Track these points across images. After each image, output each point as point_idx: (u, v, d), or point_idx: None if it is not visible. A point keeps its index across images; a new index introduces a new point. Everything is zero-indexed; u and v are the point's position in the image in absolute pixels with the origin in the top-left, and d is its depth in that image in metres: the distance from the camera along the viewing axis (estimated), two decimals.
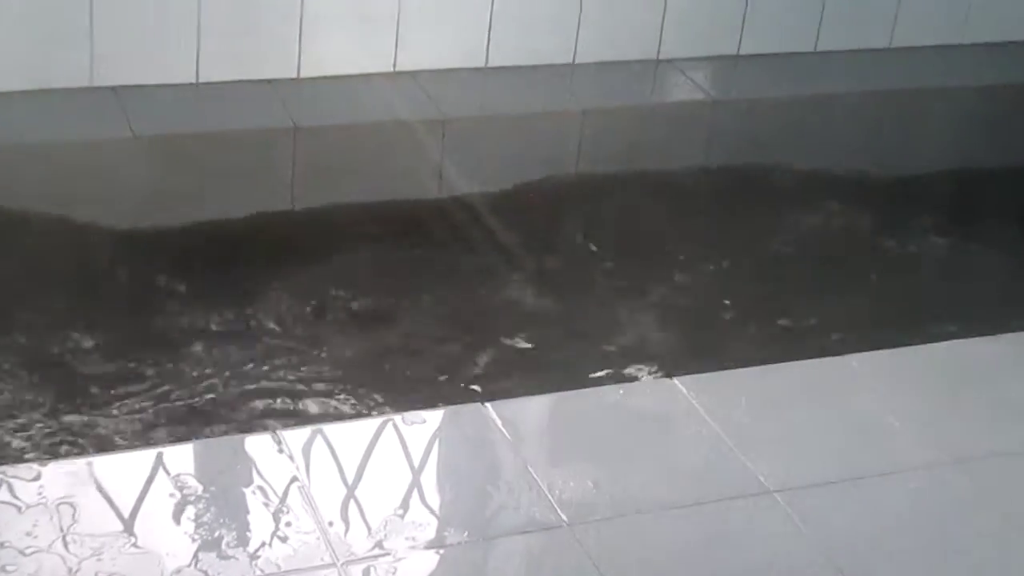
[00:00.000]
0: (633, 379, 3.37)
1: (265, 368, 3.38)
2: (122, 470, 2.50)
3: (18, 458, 2.95)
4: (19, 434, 3.08)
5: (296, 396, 3.31)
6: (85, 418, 3.15)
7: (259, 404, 3.26)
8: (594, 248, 3.99)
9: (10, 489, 2.41)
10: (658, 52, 4.42)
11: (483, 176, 4.05)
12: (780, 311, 3.79)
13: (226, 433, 3.08)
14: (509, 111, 4.11)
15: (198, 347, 3.42)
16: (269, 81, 3.99)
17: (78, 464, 2.51)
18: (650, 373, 3.40)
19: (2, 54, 3.72)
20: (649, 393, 2.85)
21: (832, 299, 3.85)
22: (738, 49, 4.50)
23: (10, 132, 3.64)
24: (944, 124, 4.50)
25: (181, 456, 2.59)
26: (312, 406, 3.28)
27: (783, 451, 2.71)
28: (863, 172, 4.43)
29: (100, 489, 2.45)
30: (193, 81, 3.92)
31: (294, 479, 2.52)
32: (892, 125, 4.44)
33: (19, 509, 2.37)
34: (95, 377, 3.28)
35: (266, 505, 2.46)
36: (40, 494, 2.41)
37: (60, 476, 2.46)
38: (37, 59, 3.75)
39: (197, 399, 3.26)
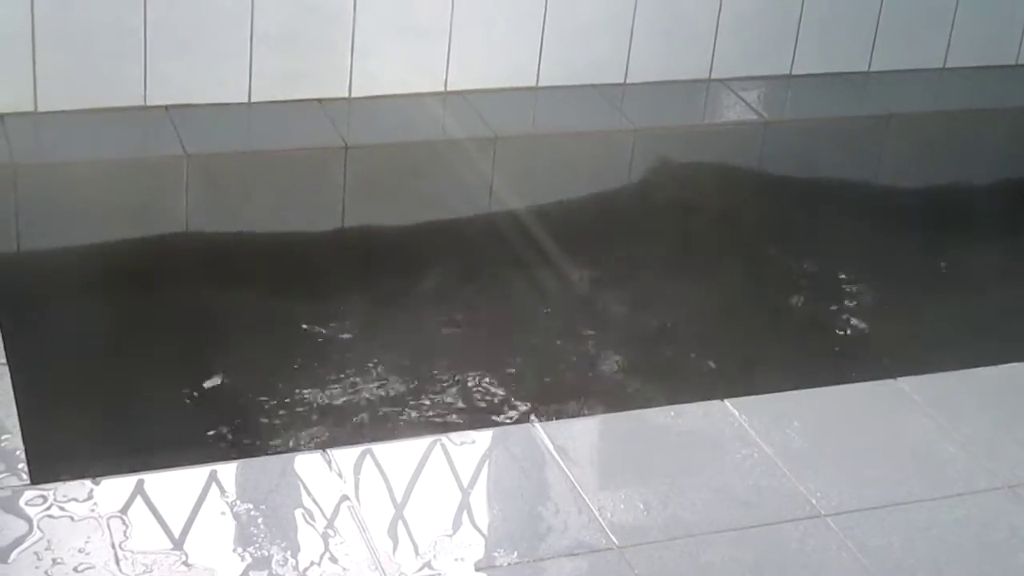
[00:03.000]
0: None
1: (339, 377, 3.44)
2: (174, 487, 2.51)
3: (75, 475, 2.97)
4: None
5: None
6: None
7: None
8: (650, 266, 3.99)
9: (63, 507, 2.43)
10: (710, 71, 4.41)
11: (533, 194, 4.05)
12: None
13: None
14: (560, 130, 4.11)
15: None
16: (320, 101, 4.01)
17: (130, 481, 2.52)
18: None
19: (58, 73, 3.76)
20: (700, 415, 2.83)
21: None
22: (791, 68, 4.49)
23: (65, 150, 3.68)
24: (1000, 144, 4.47)
25: (232, 473, 2.59)
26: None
27: (836, 475, 2.69)
28: (916, 191, 4.40)
29: (151, 506, 2.46)
30: (245, 100, 3.95)
31: (344, 498, 2.52)
32: (947, 145, 4.42)
33: (72, 526, 2.39)
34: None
35: (316, 524, 2.46)
36: (93, 511, 2.42)
37: (112, 493, 2.47)
38: (92, 78, 3.79)
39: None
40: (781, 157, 4.27)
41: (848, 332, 3.80)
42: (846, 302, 3.93)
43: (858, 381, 3.07)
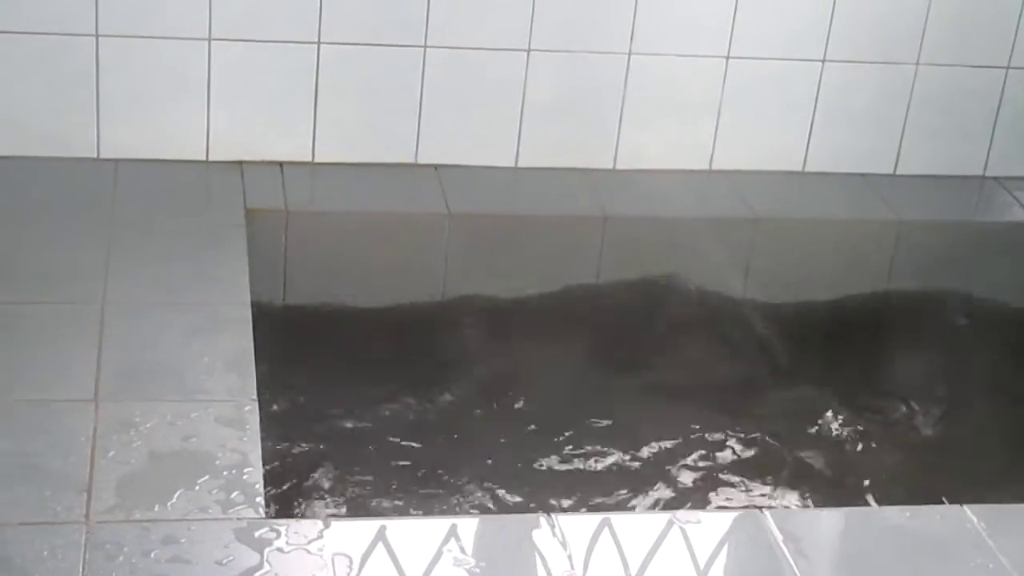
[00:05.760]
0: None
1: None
2: (410, 535, 2.56)
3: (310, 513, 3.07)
4: None
5: None
6: None
7: None
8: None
9: (294, 543, 2.50)
10: (984, 168, 4.30)
11: (790, 277, 4.01)
12: None
13: None
14: (823, 216, 4.06)
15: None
16: (584, 170, 4.06)
17: (360, 525, 2.59)
18: None
19: (336, 126, 3.91)
20: (937, 519, 2.74)
21: None
22: None
23: (334, 200, 3.83)
24: None
25: (470, 529, 2.63)
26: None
27: None
28: None
29: (389, 550, 2.51)
30: (512, 165, 4.03)
31: (570, 568, 2.52)
32: None
33: (300, 563, 2.46)
34: None
35: None
36: (321, 551, 2.49)
37: (343, 535, 2.53)
38: (367, 133, 3.93)
39: None
40: None
41: None
42: None
43: None
